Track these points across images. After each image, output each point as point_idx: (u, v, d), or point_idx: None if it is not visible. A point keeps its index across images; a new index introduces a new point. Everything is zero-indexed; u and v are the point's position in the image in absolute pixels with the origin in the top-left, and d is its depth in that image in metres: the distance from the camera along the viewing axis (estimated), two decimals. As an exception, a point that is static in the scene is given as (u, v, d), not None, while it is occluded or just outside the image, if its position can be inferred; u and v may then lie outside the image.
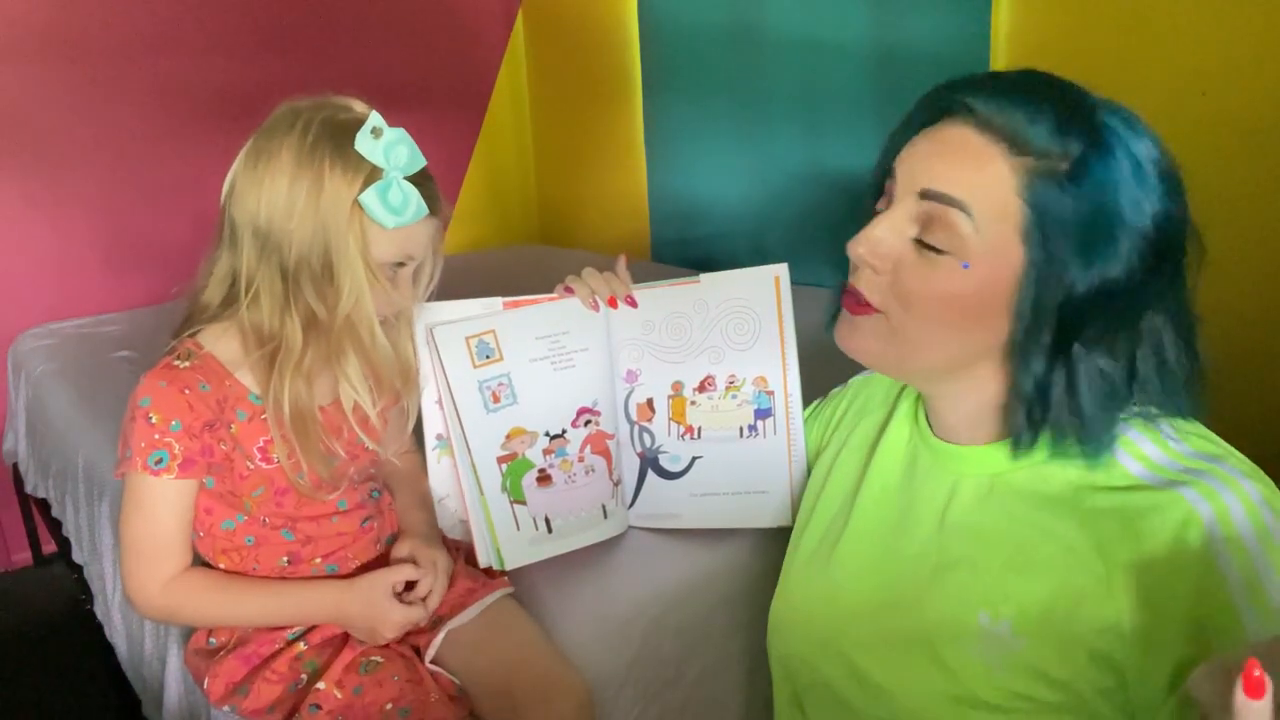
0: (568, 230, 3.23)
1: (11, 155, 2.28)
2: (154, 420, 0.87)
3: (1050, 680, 0.67)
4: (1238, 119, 1.50)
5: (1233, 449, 0.70)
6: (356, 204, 0.85)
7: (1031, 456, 0.72)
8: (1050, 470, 0.72)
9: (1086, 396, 0.68)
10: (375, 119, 0.85)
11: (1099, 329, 0.67)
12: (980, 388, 0.74)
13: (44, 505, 1.99)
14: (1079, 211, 0.64)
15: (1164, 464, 0.68)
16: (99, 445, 1.60)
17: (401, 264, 0.91)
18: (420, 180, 0.88)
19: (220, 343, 0.91)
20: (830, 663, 0.82)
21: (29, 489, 2.10)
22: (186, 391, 0.87)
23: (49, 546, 2.33)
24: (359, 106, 0.89)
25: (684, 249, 2.71)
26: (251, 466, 0.92)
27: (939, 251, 0.68)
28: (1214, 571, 0.61)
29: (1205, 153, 1.54)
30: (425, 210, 0.88)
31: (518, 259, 2.89)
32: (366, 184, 0.84)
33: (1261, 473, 0.67)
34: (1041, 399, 0.69)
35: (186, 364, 0.89)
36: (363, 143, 0.84)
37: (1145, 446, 0.69)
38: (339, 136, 0.85)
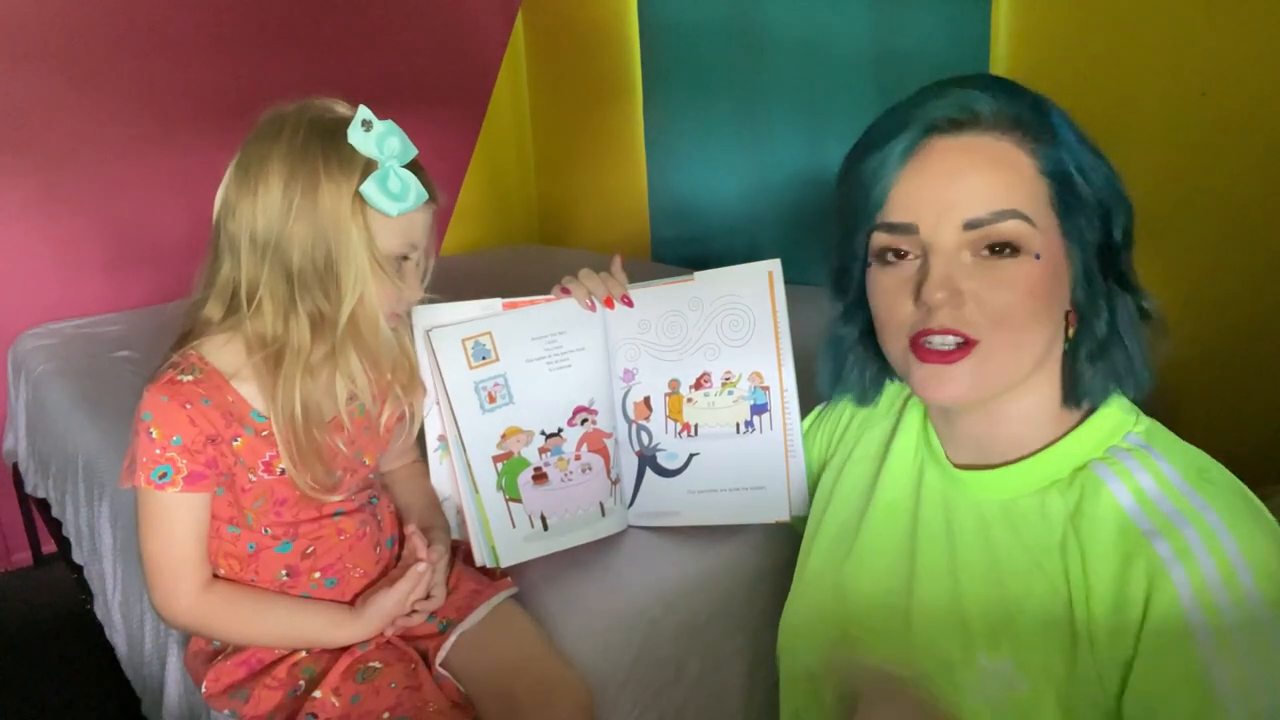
0: (567, 230, 3.23)
1: (11, 155, 2.29)
2: (154, 435, 0.86)
3: None
4: (1238, 119, 1.50)
5: (1226, 479, 0.68)
6: (357, 197, 0.85)
7: (1037, 476, 0.72)
8: (1051, 499, 0.71)
9: (1132, 333, 0.72)
10: (364, 112, 0.86)
11: (1121, 271, 0.72)
12: (1035, 390, 0.73)
13: (44, 505, 1.99)
14: (1071, 162, 0.69)
15: (1154, 498, 0.67)
16: (99, 445, 1.60)
17: (406, 256, 0.91)
18: (413, 169, 0.89)
19: (222, 354, 0.91)
20: (838, 684, 0.82)
21: (29, 489, 2.10)
22: (188, 406, 0.87)
23: (49, 546, 2.33)
24: (341, 107, 0.90)
25: (683, 248, 2.71)
26: (254, 479, 0.92)
27: (1011, 255, 0.68)
28: (1187, 645, 0.61)
29: (1205, 152, 1.54)
30: (425, 195, 0.89)
31: (517, 259, 2.89)
32: (364, 176, 0.85)
33: (1246, 508, 0.65)
34: (1102, 343, 0.72)
35: (190, 378, 0.88)
36: (355, 136, 0.85)
37: (1140, 477, 0.68)
38: (329, 135, 0.86)
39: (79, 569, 1.70)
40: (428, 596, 0.97)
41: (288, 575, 0.96)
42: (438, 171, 0.92)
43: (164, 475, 0.87)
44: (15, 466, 2.24)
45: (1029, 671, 0.68)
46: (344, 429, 0.95)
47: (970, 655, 0.72)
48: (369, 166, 0.86)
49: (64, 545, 1.82)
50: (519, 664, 0.96)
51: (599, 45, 2.82)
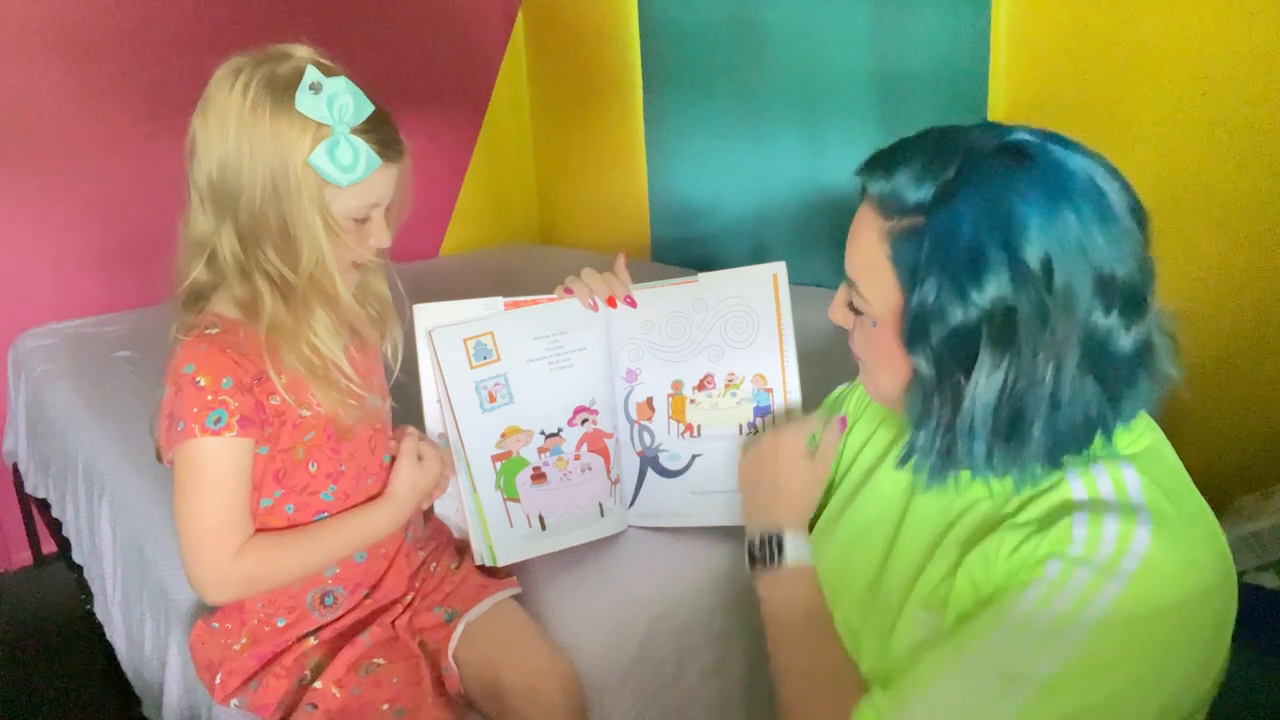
0: (568, 230, 3.23)
1: (12, 155, 2.28)
2: (203, 383, 0.84)
3: None
4: (1238, 119, 1.50)
5: (1194, 505, 0.69)
6: (308, 164, 0.82)
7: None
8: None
9: (981, 423, 0.69)
10: (312, 73, 0.82)
11: (1000, 354, 0.67)
12: None
13: (44, 505, 1.99)
14: (933, 257, 0.68)
15: (1105, 494, 0.68)
16: (99, 445, 1.60)
17: (367, 217, 0.89)
18: (374, 126, 0.85)
19: (230, 307, 0.90)
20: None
21: (29, 489, 2.10)
22: (229, 350, 0.86)
23: (49, 546, 2.33)
24: (300, 53, 0.86)
25: (684, 249, 2.71)
26: (307, 413, 0.90)
27: (860, 313, 0.78)
28: (1005, 602, 0.66)
29: (1205, 153, 1.54)
30: (378, 162, 0.85)
31: (518, 259, 2.89)
32: (315, 141, 0.82)
33: (1180, 540, 0.65)
34: (940, 430, 0.72)
35: (216, 330, 0.87)
36: (304, 101, 0.82)
37: (1101, 482, 0.70)
38: (279, 94, 0.82)
39: (79, 569, 1.70)
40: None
41: None
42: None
43: (219, 420, 0.84)
44: (15, 466, 2.24)
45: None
46: (365, 355, 0.95)
47: (911, 613, 0.76)
48: (321, 130, 0.82)
49: (64, 545, 1.82)
50: (507, 654, 0.96)
51: (599, 45, 2.82)
